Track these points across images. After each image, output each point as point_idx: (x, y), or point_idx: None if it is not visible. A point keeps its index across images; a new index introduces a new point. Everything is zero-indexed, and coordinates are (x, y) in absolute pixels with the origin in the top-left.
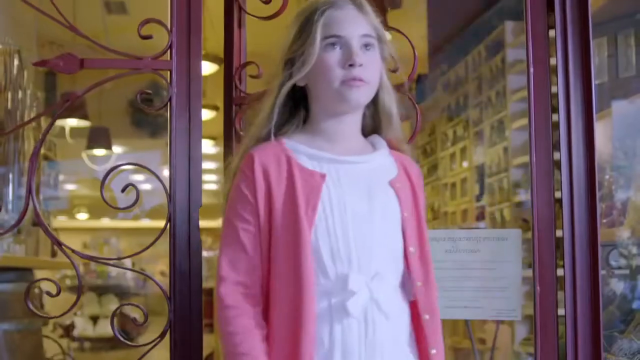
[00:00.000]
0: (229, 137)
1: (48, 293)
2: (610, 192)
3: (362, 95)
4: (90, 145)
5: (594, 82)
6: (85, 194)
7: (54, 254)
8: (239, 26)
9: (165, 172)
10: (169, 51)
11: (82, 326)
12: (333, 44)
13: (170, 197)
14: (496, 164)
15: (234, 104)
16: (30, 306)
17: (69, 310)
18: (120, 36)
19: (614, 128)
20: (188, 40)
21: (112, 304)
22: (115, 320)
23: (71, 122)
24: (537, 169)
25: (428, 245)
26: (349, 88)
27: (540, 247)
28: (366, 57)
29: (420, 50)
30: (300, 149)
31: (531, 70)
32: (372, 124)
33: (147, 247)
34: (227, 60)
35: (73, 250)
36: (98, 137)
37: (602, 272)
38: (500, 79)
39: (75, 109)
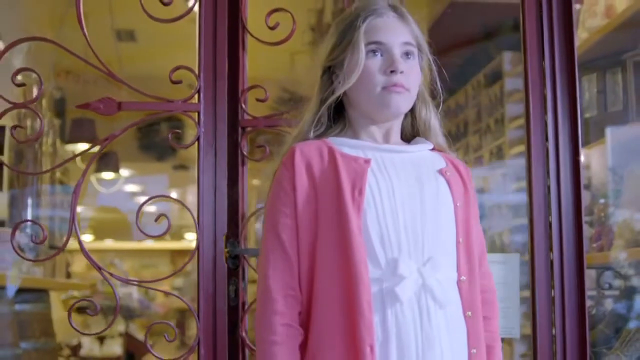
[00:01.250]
0: (233, 159)
1: (88, 311)
2: (599, 218)
3: (402, 102)
4: (99, 169)
5: (579, 116)
6: (90, 215)
7: (68, 276)
8: (243, 49)
9: (173, 194)
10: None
11: (89, 346)
12: (374, 51)
13: (199, 225)
14: (495, 189)
15: (240, 127)
16: (73, 324)
17: (106, 329)
18: (131, 64)
19: (608, 153)
20: (214, 84)
21: (119, 324)
22: (122, 340)
23: (82, 147)
24: (535, 195)
25: (478, 241)
26: (390, 94)
27: (538, 269)
28: (407, 64)
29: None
30: (342, 141)
31: (530, 104)
32: (412, 132)
33: (181, 269)
34: (232, 83)
35: (112, 274)
36: (107, 161)
37: (593, 293)
38: (499, 107)
39: (87, 134)
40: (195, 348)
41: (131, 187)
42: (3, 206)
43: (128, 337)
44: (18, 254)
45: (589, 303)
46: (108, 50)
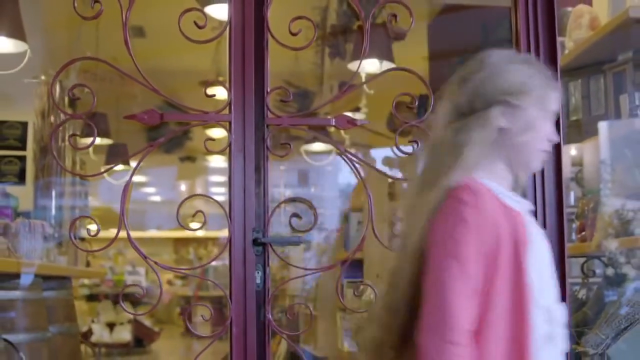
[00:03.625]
0: (260, 154)
1: (135, 296)
2: (583, 211)
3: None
4: (109, 161)
5: (562, 118)
6: (95, 205)
7: (87, 265)
8: (267, 51)
9: (182, 187)
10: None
11: (99, 333)
12: (550, 119)
13: (231, 219)
14: None
15: (265, 125)
16: (124, 306)
17: (150, 311)
18: (140, 60)
19: (601, 146)
20: (243, 94)
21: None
22: (130, 327)
23: (96, 140)
24: (529, 190)
25: None
26: (541, 159)
27: None
28: None
29: (422, 71)
30: (500, 190)
31: None
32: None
33: (214, 258)
34: (258, 86)
35: (156, 262)
36: (117, 153)
37: (577, 280)
38: None
39: (100, 127)
40: (228, 328)
41: (140, 178)
42: (28, 198)
43: (137, 324)
44: (76, 246)
45: (575, 289)
46: (120, 47)
